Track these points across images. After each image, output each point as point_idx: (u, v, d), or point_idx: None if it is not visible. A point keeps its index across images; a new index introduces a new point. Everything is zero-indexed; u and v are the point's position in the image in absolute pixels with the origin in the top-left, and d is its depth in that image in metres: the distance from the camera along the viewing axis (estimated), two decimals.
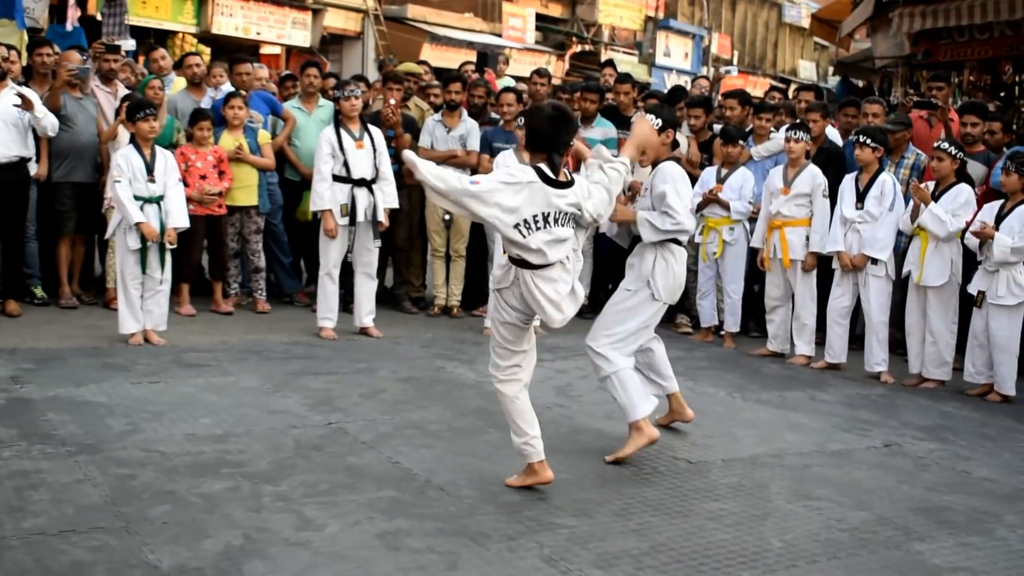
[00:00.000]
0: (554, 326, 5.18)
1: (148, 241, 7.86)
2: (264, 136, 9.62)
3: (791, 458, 6.12)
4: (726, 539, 4.79)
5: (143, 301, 7.99)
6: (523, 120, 5.31)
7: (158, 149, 8.13)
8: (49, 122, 8.66)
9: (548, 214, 4.97)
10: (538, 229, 4.95)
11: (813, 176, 8.70)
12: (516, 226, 4.94)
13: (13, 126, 8.56)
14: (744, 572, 4.42)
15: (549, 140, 5.05)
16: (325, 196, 8.61)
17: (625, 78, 11.24)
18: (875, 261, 8.28)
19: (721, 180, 9.31)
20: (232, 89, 10.09)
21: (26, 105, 8.44)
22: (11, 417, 5.90)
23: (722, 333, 9.54)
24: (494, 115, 10.34)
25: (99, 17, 17.35)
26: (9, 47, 9.25)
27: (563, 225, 5.04)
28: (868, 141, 8.31)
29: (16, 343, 7.70)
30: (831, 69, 29.31)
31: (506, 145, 9.51)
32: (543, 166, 5.03)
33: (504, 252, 5.30)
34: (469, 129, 9.87)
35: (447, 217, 9.73)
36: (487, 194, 4.92)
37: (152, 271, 7.95)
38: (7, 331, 8.10)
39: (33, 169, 8.89)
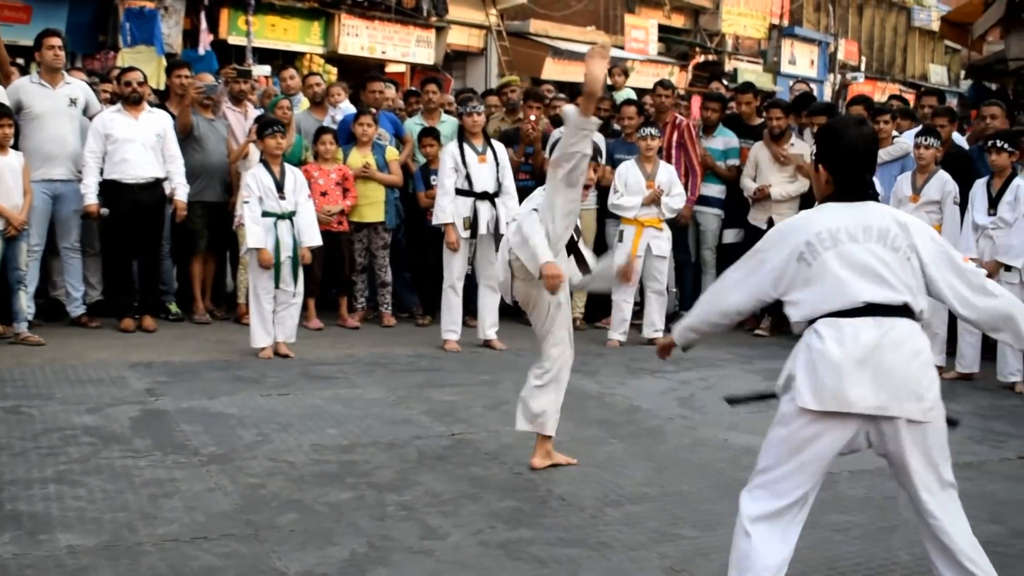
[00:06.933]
0: None
1: (282, 256, 8.06)
2: (392, 153, 9.75)
3: None
4: (852, 551, 4.69)
5: (275, 314, 8.16)
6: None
7: (287, 166, 8.30)
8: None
9: None
10: None
11: (943, 183, 8.47)
12: None
13: (150, 148, 8.79)
14: None
15: None
16: (448, 209, 8.70)
17: (747, 87, 11.13)
18: (1008, 268, 8.03)
19: None
20: (351, 107, 10.27)
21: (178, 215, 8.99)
22: (146, 428, 6.09)
23: None
24: (616, 127, 10.34)
25: (230, 41, 17.89)
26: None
27: None
28: (1004, 145, 8.09)
29: (152, 357, 7.95)
30: (963, 73, 28.56)
31: (627, 156, 9.52)
32: None
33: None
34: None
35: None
36: None
37: (286, 285, 8.13)
38: (143, 346, 8.37)
39: (168, 189, 9.16)
